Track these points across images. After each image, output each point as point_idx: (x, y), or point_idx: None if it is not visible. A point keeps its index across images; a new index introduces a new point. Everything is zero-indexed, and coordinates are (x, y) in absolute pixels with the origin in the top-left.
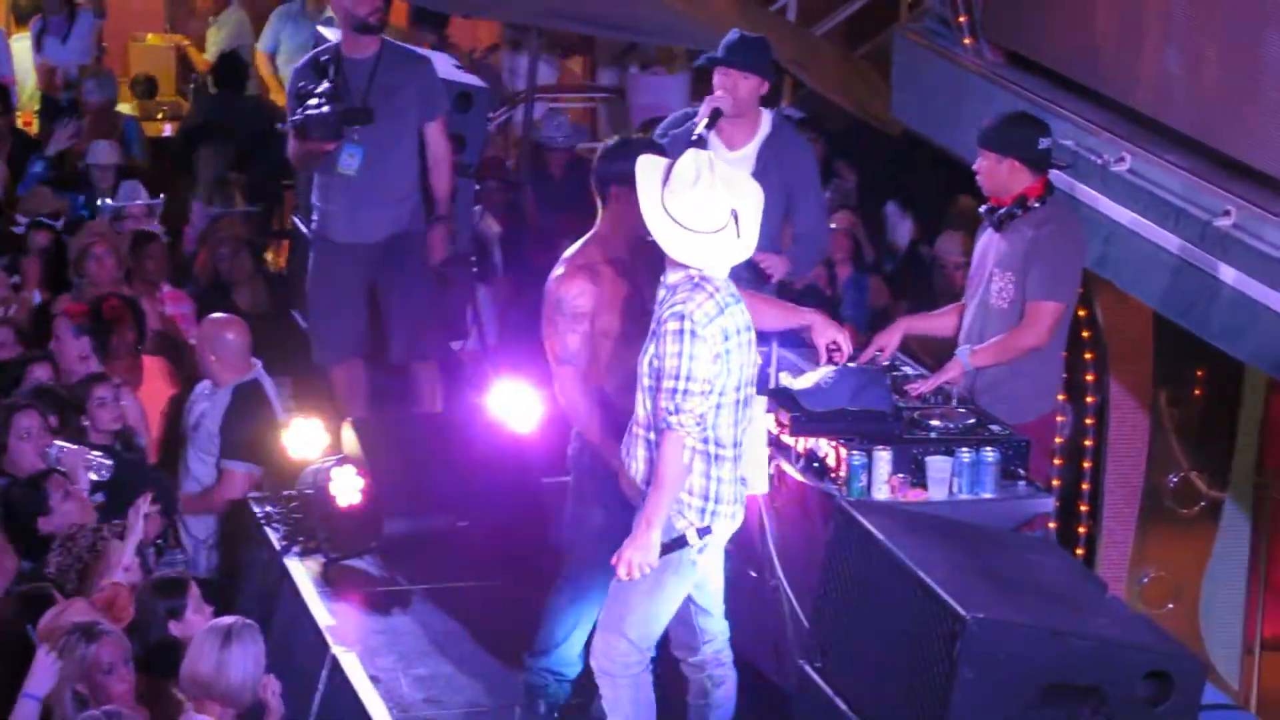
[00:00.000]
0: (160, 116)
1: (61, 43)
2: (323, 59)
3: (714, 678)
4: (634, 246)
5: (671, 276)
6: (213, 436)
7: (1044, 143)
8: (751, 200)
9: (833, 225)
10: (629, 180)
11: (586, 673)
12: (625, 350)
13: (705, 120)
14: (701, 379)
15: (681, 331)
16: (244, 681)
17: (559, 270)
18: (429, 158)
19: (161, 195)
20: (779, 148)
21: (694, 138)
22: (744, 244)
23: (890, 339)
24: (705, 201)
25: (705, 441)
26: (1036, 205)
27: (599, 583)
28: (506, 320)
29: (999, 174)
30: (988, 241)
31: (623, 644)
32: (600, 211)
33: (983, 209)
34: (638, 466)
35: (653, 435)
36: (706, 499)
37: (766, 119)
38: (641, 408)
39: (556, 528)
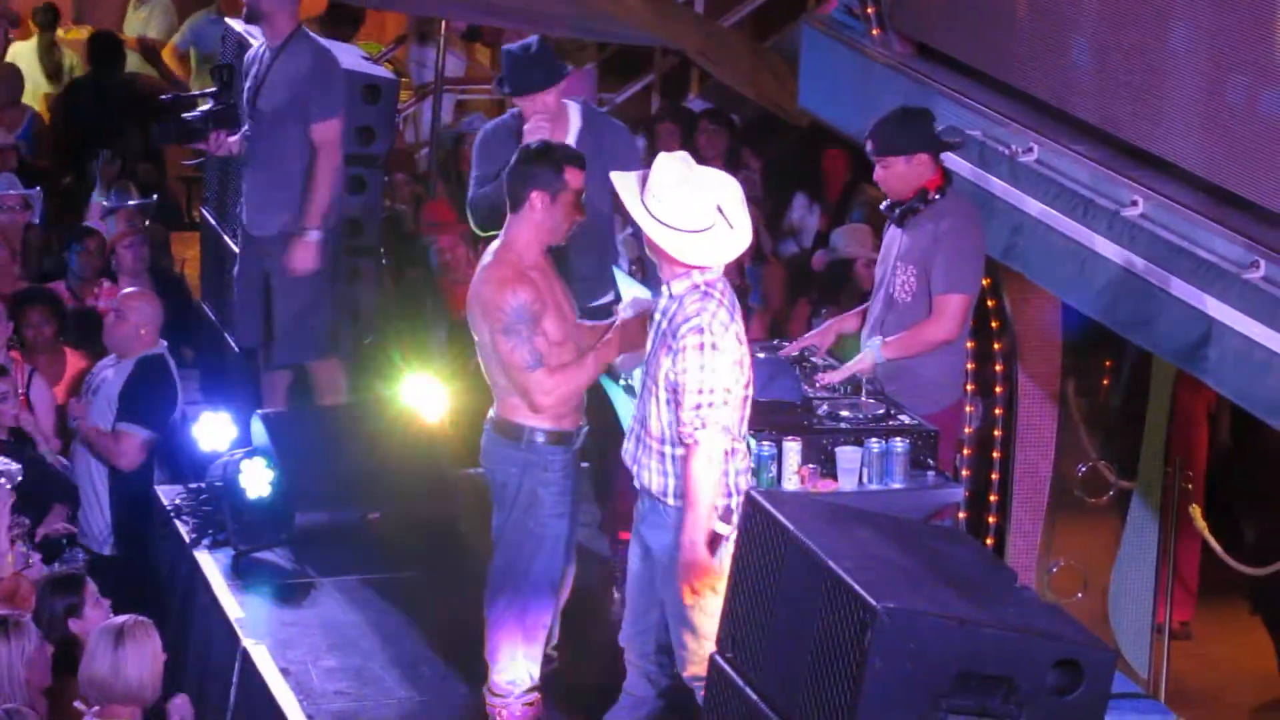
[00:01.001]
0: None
1: None
2: (233, 46)
3: (655, 673)
4: (545, 250)
5: (676, 286)
6: (111, 401)
7: (938, 128)
8: (731, 190)
9: None
10: (550, 185)
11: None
12: (561, 351)
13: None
14: (723, 389)
15: (702, 346)
16: (141, 679)
17: (494, 282)
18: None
19: (154, 196)
20: (597, 138)
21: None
22: (739, 234)
23: (824, 340)
24: (691, 199)
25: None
26: (937, 197)
27: (545, 590)
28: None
29: (910, 175)
30: (892, 236)
31: (708, 645)
32: (513, 214)
33: (883, 206)
34: (650, 476)
35: (669, 449)
36: (730, 495)
37: (575, 113)
38: (655, 420)
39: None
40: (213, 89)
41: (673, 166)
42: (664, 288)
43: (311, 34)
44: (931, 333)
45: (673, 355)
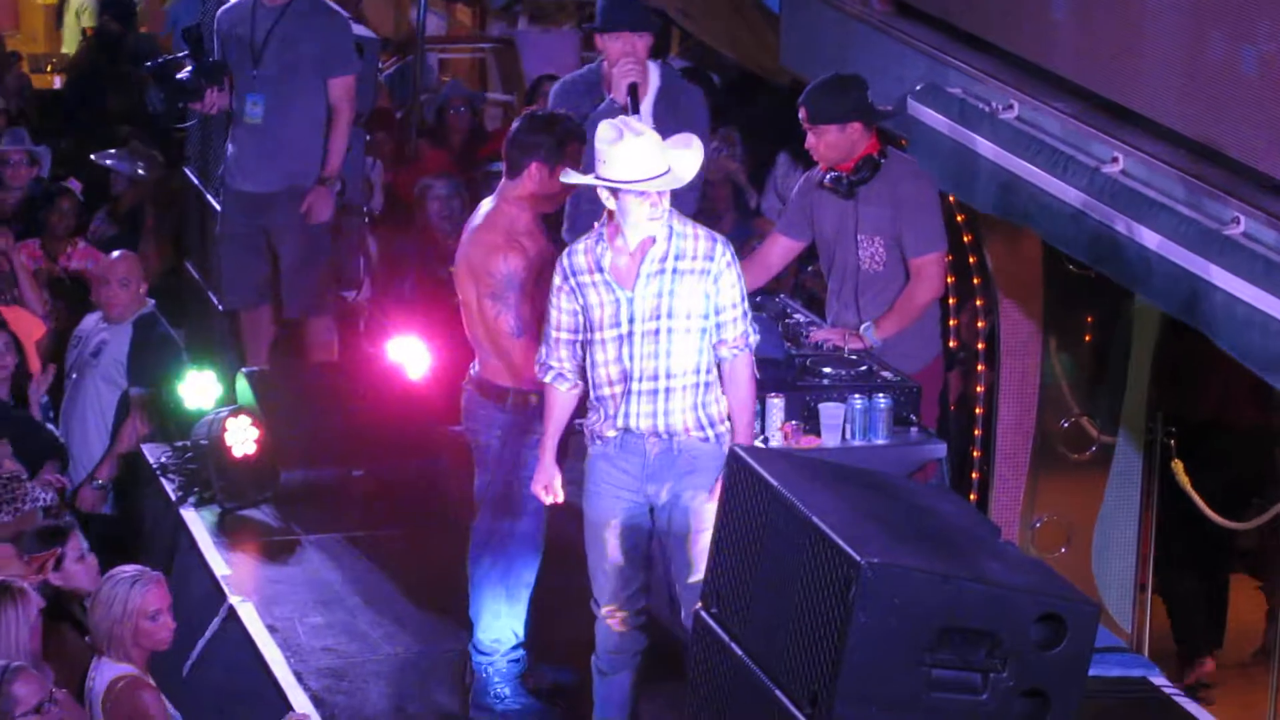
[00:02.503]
0: (49, 69)
1: None
2: (240, 6)
3: (645, 624)
4: (539, 219)
5: (677, 225)
6: (119, 364)
7: (871, 97)
8: (652, 134)
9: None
10: (550, 158)
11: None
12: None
13: (629, 101)
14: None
15: (735, 256)
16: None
17: (484, 246)
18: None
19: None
20: (674, 99)
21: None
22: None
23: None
24: (639, 149)
25: None
26: (883, 161)
27: (529, 549)
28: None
29: (842, 143)
30: (840, 209)
31: None
32: (509, 180)
33: (827, 179)
34: (679, 419)
35: (702, 377)
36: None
37: (655, 72)
38: (684, 357)
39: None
40: (185, 52)
41: (609, 128)
42: (668, 229)
43: None
44: (921, 296)
45: (711, 277)
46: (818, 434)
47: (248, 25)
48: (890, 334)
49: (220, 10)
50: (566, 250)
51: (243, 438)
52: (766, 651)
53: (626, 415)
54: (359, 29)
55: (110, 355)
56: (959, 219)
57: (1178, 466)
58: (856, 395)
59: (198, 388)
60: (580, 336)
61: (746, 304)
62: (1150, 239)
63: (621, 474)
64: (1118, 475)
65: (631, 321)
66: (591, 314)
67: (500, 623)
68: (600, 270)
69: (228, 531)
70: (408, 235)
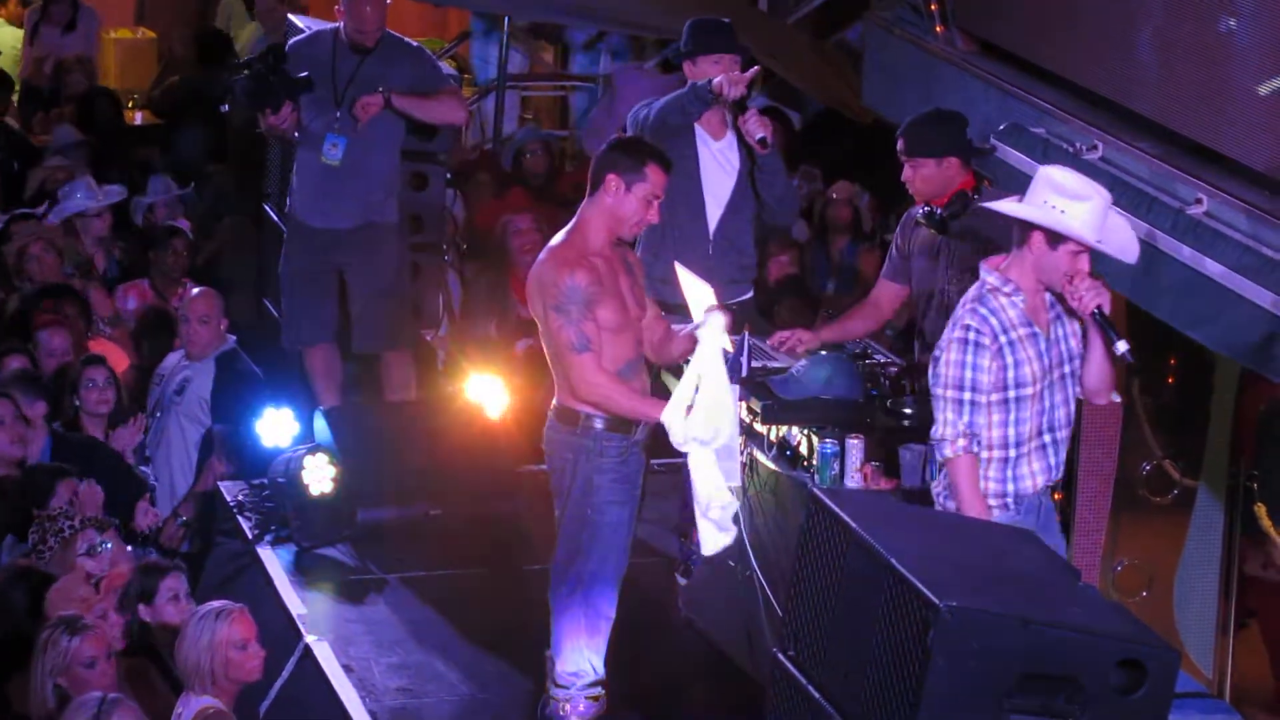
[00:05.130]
0: (130, 105)
1: (62, 33)
2: (318, 40)
3: None
4: (614, 240)
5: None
6: (203, 402)
7: (969, 134)
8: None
9: (833, 195)
10: (627, 172)
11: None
12: (617, 340)
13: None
14: None
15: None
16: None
17: (555, 260)
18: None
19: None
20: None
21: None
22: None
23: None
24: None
25: None
26: (976, 198)
27: (605, 581)
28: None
29: (938, 178)
30: (926, 243)
31: None
32: (589, 198)
33: (921, 214)
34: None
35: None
36: None
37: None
38: (1064, 409)
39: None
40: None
41: (1075, 186)
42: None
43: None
44: None
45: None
46: (897, 476)
47: (328, 63)
48: None
49: (295, 40)
50: (975, 312)
51: (320, 476)
52: (844, 695)
53: (1049, 470)
54: (441, 66)
55: (194, 393)
56: None
57: (1260, 510)
58: None
59: (275, 425)
60: (1001, 396)
61: None
62: (1232, 280)
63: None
64: (1199, 518)
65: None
66: (1021, 371)
67: (580, 655)
68: (1029, 326)
69: (304, 570)
70: (491, 273)
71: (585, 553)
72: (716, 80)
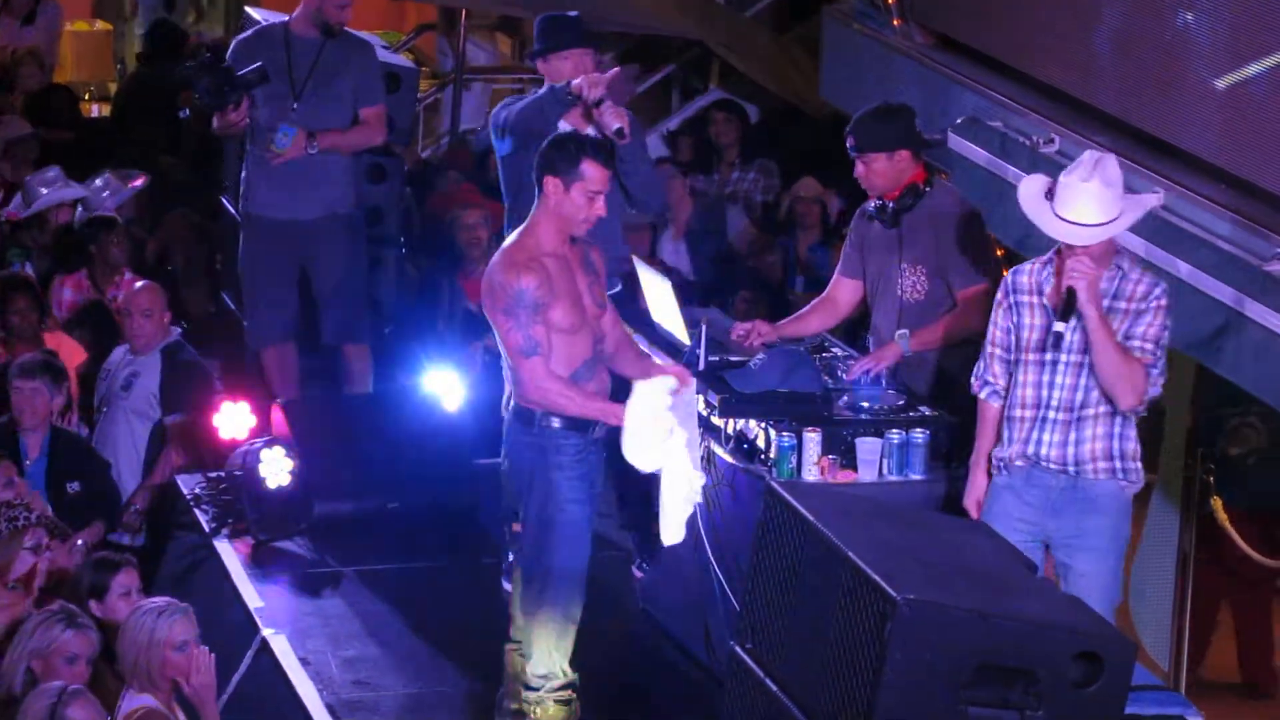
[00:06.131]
0: (87, 97)
1: (21, 24)
2: (268, 34)
3: None
4: (566, 240)
5: (1126, 266)
6: (152, 396)
7: (918, 125)
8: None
9: (800, 193)
10: (562, 174)
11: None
12: (572, 341)
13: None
14: None
15: (1168, 303)
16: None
17: (505, 263)
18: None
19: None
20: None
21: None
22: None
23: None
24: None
25: None
26: (927, 189)
27: (569, 581)
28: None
29: (890, 172)
30: (879, 237)
31: None
32: (537, 201)
33: (871, 208)
34: (1091, 449)
35: (1103, 408)
36: None
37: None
38: (1089, 390)
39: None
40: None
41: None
42: (1115, 270)
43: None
44: (961, 326)
45: (1143, 315)
46: (854, 469)
47: (282, 56)
48: (923, 348)
49: (242, 36)
50: (1013, 269)
51: (277, 469)
52: (801, 687)
53: (1038, 444)
54: (398, 59)
55: (142, 387)
56: (999, 253)
57: (1216, 504)
58: (894, 430)
59: (232, 418)
60: (1013, 355)
61: (1161, 350)
62: (1185, 272)
63: (1025, 506)
64: (1155, 513)
65: (1058, 351)
66: (1022, 334)
67: (551, 658)
68: (1040, 294)
69: (261, 563)
70: (439, 266)
71: (550, 554)
72: (576, 82)
